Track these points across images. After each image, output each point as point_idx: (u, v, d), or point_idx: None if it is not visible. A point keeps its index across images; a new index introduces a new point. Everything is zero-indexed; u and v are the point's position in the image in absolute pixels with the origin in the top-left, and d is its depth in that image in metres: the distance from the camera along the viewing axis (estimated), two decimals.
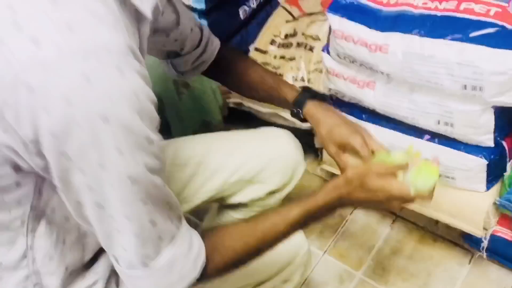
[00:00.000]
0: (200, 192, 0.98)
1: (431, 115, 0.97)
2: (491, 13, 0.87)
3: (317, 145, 1.37)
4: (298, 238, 0.96)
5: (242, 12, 1.36)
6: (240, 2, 1.35)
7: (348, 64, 1.04)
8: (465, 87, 0.87)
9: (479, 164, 0.98)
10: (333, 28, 1.00)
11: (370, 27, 0.96)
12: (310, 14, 1.36)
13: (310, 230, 1.39)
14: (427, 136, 1.03)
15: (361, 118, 1.11)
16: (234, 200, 1.01)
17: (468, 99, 0.90)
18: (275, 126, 1.48)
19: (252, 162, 0.98)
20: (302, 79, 1.27)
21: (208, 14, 1.27)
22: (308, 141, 1.43)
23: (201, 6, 1.24)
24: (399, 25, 0.93)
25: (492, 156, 0.97)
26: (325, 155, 1.30)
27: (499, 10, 0.87)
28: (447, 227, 1.32)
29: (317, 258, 1.33)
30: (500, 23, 0.85)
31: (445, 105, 0.94)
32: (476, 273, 1.24)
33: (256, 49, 1.38)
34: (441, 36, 0.88)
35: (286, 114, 1.31)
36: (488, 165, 0.97)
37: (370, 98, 1.04)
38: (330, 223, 1.40)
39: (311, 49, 1.29)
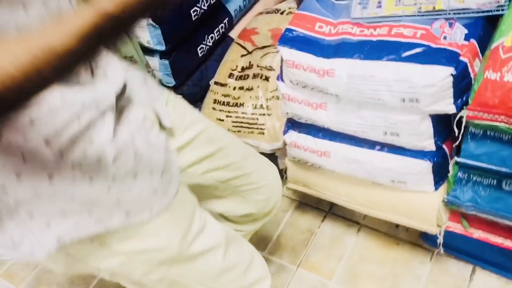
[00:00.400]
0: (209, 175, 0.98)
1: (378, 127, 1.09)
2: (418, 35, 1.00)
3: (281, 166, 1.47)
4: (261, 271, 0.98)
5: (200, 51, 1.46)
6: (198, 42, 1.45)
7: (301, 89, 1.15)
8: (403, 100, 1.00)
9: (425, 167, 1.10)
10: (285, 58, 1.11)
11: (317, 55, 1.08)
12: (263, 47, 1.48)
13: (281, 247, 1.47)
14: (377, 147, 1.15)
15: (318, 136, 1.22)
16: (215, 204, 1.05)
17: (408, 110, 1.02)
18: None
19: (256, 176, 1.03)
20: (262, 107, 1.38)
21: (168, 54, 1.37)
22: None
23: (162, 47, 1.33)
24: (342, 52, 1.05)
25: (435, 159, 1.09)
26: (289, 174, 1.40)
27: (424, 32, 1.00)
28: (407, 230, 1.43)
29: (291, 273, 1.41)
30: (425, 43, 0.99)
31: (389, 118, 1.06)
32: (438, 269, 1.35)
33: (216, 83, 1.49)
34: (378, 58, 1.01)
35: (249, 139, 1.41)
36: (433, 167, 1.09)
37: (324, 118, 1.15)
38: (300, 238, 1.48)
39: (266, 78, 1.40)
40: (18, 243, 0.68)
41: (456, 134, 1.00)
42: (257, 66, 1.44)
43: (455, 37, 0.98)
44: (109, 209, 0.71)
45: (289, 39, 1.12)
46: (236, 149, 1.02)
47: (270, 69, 1.41)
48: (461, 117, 0.97)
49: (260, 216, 1.11)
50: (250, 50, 1.49)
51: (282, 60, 1.14)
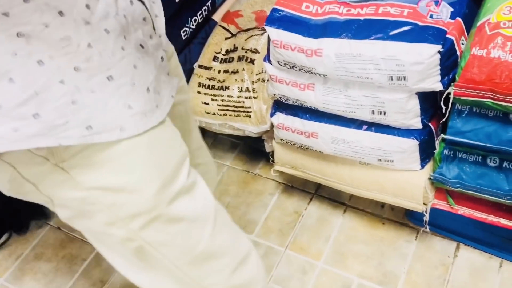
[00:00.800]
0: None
1: (366, 107, 1.09)
2: (405, 13, 1.01)
3: (267, 149, 1.47)
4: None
5: (184, 34, 1.44)
6: (181, 25, 1.43)
7: (288, 70, 1.15)
8: (391, 78, 1.00)
9: (412, 145, 1.11)
10: (272, 38, 1.10)
11: (304, 35, 1.07)
12: (247, 30, 1.47)
13: (269, 229, 1.48)
14: (365, 127, 1.16)
15: (305, 118, 1.22)
16: None
17: (395, 88, 1.03)
18: (225, 137, 1.57)
19: (200, 170, 0.91)
20: (247, 90, 1.37)
21: None
22: (259, 147, 1.53)
23: None
24: (329, 31, 1.05)
25: (422, 137, 1.10)
26: (276, 156, 1.40)
27: (411, 10, 1.01)
28: (392, 209, 1.46)
29: (279, 255, 1.42)
30: (413, 21, 0.99)
31: (377, 97, 1.06)
32: (423, 247, 1.38)
33: (200, 66, 1.47)
34: (366, 37, 1.01)
35: (236, 123, 1.41)
36: (419, 145, 1.11)
37: (312, 98, 1.15)
38: (287, 220, 1.49)
39: (252, 61, 1.39)
40: None
41: (444, 111, 1.01)
42: (242, 48, 1.43)
43: (441, 15, 0.99)
44: (63, 113, 0.55)
45: (276, 19, 1.11)
46: (196, 137, 0.96)
47: (255, 51, 1.41)
48: (448, 94, 0.98)
49: None
50: (234, 33, 1.48)
51: (269, 40, 1.13)
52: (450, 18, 0.99)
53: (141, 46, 0.63)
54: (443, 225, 1.33)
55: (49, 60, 0.53)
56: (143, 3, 0.64)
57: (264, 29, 1.42)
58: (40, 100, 0.53)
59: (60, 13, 0.52)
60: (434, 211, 1.26)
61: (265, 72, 1.36)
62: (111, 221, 0.64)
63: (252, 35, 1.44)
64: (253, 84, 1.38)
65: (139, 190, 0.64)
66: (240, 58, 1.42)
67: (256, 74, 1.38)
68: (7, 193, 0.65)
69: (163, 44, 0.72)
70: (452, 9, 1.00)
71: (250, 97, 1.38)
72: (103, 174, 0.61)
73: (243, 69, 1.40)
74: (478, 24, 0.95)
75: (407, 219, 1.43)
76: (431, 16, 1.00)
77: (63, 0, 0.52)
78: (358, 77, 1.04)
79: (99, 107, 0.58)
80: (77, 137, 0.57)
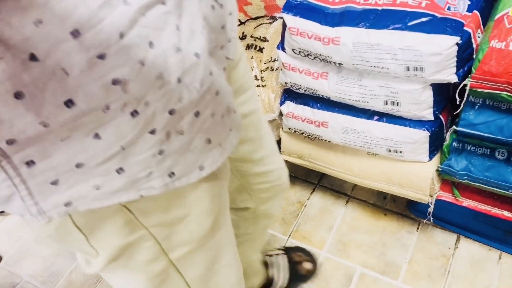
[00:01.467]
0: (236, 164, 0.82)
1: (379, 97, 1.10)
2: (423, 5, 1.02)
3: (275, 138, 1.47)
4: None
5: None
6: None
7: (302, 58, 1.15)
8: (408, 68, 1.01)
9: (423, 136, 1.12)
10: (288, 25, 1.10)
11: (321, 23, 1.08)
12: (256, 18, 1.46)
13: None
14: (376, 117, 1.17)
15: (316, 107, 1.23)
16: None
17: (411, 79, 1.04)
18: None
19: (274, 175, 0.90)
20: (256, 78, 1.37)
21: None
22: None
23: None
24: (346, 20, 1.06)
25: (433, 128, 1.12)
26: (283, 145, 1.40)
27: (428, 2, 1.02)
28: (394, 200, 1.48)
29: (282, 243, 1.43)
30: (431, 13, 1.00)
31: (391, 87, 1.07)
32: (424, 238, 1.40)
33: None
34: (384, 26, 1.02)
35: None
36: (430, 136, 1.12)
37: (325, 87, 1.16)
38: (290, 209, 1.50)
39: (260, 49, 1.39)
40: (5, 199, 0.46)
41: (458, 103, 1.03)
42: (251, 37, 1.42)
43: (458, 7, 1.01)
44: (148, 165, 0.48)
45: (293, 6, 1.11)
46: (269, 143, 0.87)
47: (264, 40, 1.40)
48: (464, 86, 0.99)
49: (254, 211, 0.96)
50: (243, 21, 1.47)
51: (284, 27, 1.13)
52: (467, 11, 1.01)
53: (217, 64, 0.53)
54: (445, 217, 1.35)
55: (144, 109, 0.44)
56: (220, 6, 0.54)
57: (273, 18, 1.42)
58: (125, 154, 0.47)
59: (151, 44, 0.42)
60: (438, 203, 1.28)
61: (273, 61, 1.36)
62: (154, 256, 0.59)
63: (261, 24, 1.43)
64: (261, 73, 1.37)
65: (199, 222, 0.59)
66: (249, 46, 1.41)
67: (265, 63, 1.38)
68: (46, 238, 0.56)
69: (232, 51, 0.61)
70: (469, 2, 1.01)
71: (258, 86, 1.37)
72: (169, 211, 0.56)
73: (252, 57, 1.39)
74: (497, 17, 0.97)
75: (409, 210, 1.45)
76: (448, 8, 1.01)
77: (154, 24, 0.42)
78: (374, 66, 1.05)
79: (183, 150, 0.51)
80: (159, 186, 0.51)
